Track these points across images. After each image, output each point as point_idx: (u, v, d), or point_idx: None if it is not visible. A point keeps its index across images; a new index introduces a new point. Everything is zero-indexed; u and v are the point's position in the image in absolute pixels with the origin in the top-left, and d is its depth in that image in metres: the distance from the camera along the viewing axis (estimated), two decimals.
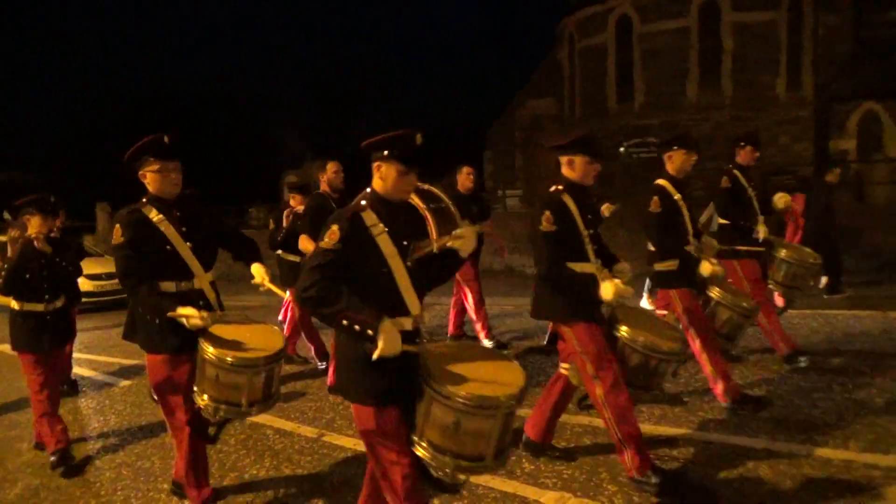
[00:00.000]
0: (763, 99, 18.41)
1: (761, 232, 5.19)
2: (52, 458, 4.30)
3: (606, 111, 20.10)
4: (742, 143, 5.33)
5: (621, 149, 18.98)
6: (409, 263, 2.58)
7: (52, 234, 4.65)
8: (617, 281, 3.34)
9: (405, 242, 2.60)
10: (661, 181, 4.36)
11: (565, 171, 3.48)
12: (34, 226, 4.44)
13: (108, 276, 12.15)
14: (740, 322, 4.52)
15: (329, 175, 5.32)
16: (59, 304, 4.57)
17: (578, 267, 3.42)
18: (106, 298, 12.29)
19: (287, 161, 31.38)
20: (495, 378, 2.51)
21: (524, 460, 3.85)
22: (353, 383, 2.56)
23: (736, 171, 5.28)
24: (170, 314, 3.08)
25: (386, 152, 2.56)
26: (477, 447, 2.44)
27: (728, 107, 18.43)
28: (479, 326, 6.55)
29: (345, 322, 2.40)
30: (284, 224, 6.22)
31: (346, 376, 2.59)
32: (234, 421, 4.78)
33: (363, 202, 2.60)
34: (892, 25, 18.96)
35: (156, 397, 3.46)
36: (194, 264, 3.27)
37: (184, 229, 3.27)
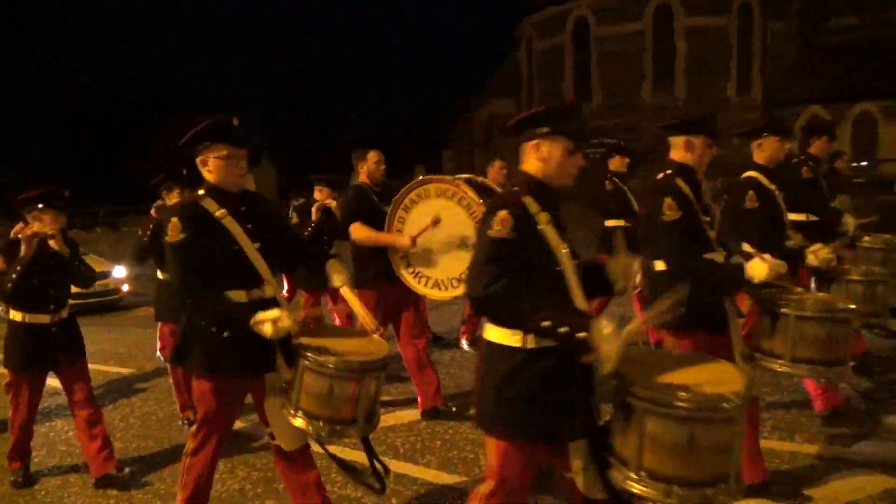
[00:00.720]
0: (715, 101, 18.88)
1: (850, 224, 4.77)
2: (13, 479, 4.03)
3: None
4: (818, 134, 4.99)
5: None
6: (577, 261, 2.23)
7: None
8: (766, 256, 3.04)
9: (566, 235, 2.24)
10: (751, 173, 3.88)
11: (678, 153, 3.06)
12: (46, 223, 3.81)
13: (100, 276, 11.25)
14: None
15: (369, 165, 4.77)
16: (64, 314, 3.97)
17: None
18: (92, 301, 10.85)
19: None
20: (712, 377, 2.06)
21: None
22: (512, 417, 2.12)
23: (811, 163, 4.92)
24: (254, 321, 2.55)
25: (548, 128, 2.21)
26: (719, 465, 1.92)
27: (681, 108, 18.86)
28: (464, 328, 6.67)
29: (546, 323, 1.98)
30: (313, 219, 5.85)
31: (503, 408, 2.14)
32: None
33: (515, 188, 2.24)
34: (835, 33, 19.69)
35: (188, 424, 2.96)
36: (264, 268, 2.76)
37: (249, 227, 2.77)
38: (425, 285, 4.26)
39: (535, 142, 2.23)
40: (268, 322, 2.53)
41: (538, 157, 2.24)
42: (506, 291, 2.04)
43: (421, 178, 4.35)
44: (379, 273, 4.43)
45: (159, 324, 5.10)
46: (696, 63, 18.91)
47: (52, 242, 3.80)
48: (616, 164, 6.60)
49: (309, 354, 2.52)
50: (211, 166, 2.74)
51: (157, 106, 36.51)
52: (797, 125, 19.12)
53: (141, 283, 11.24)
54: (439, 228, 4.10)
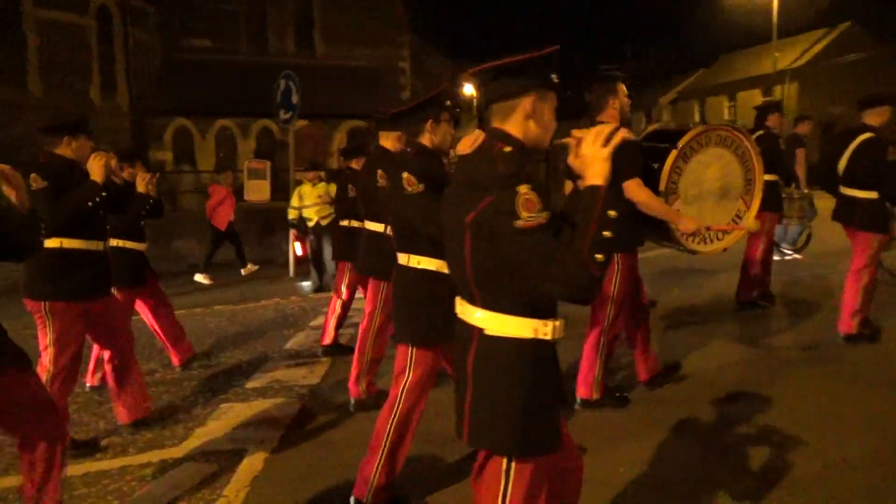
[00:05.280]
0: (79, 104, 17.76)
1: None
2: None
3: None
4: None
5: None
6: None
7: None
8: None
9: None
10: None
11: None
12: None
13: None
14: None
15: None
16: None
17: None
18: None
19: None
20: None
21: None
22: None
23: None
24: None
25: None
26: None
27: (39, 108, 17.02)
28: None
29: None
30: None
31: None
32: None
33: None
34: (193, 52, 21.13)
35: None
36: None
37: None
38: (690, 240, 4.04)
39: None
40: None
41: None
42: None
43: (704, 125, 4.08)
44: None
45: None
46: (54, 60, 17.38)
47: None
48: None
49: None
50: None
51: None
52: (166, 135, 19.76)
53: None
54: (713, 178, 4.00)
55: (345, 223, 5.86)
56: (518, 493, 1.89)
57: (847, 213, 5.29)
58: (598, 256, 1.68)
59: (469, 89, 41.74)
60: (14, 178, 2.51)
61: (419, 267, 3.05)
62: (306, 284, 9.35)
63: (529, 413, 1.88)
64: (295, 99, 10.09)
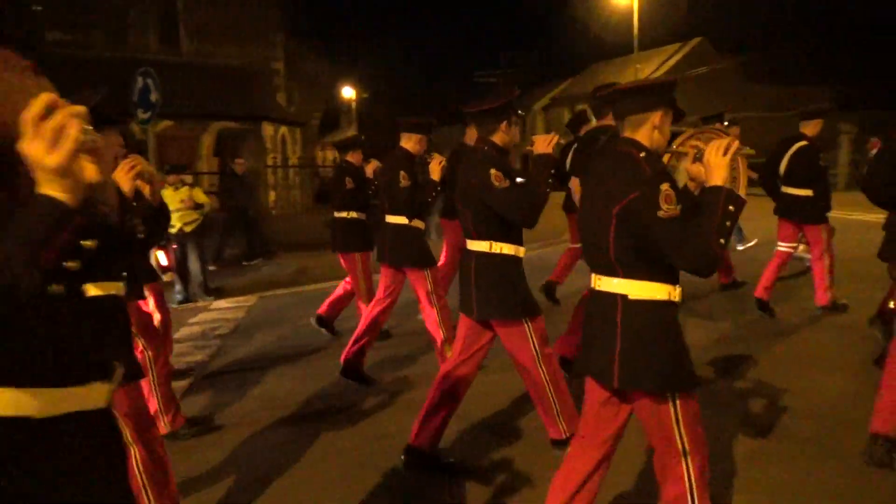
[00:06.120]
0: None
1: None
2: None
3: None
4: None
5: None
6: None
7: None
8: None
9: None
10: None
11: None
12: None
13: None
14: None
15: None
16: None
17: None
18: None
19: None
20: None
21: None
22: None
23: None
24: None
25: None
26: None
27: None
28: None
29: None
30: None
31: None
32: None
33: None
34: (43, 44, 19.48)
35: None
36: None
37: None
38: None
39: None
40: None
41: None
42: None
43: (695, 128, 3.75)
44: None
45: None
46: None
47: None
48: None
49: None
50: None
51: None
52: None
53: None
54: None
55: (343, 215, 6.04)
56: (687, 419, 2.30)
57: (787, 209, 6.21)
58: (721, 240, 2.13)
59: (348, 92, 41.32)
60: (149, 173, 2.63)
61: (503, 252, 3.39)
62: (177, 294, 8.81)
63: (678, 357, 2.32)
64: (154, 97, 9.48)
